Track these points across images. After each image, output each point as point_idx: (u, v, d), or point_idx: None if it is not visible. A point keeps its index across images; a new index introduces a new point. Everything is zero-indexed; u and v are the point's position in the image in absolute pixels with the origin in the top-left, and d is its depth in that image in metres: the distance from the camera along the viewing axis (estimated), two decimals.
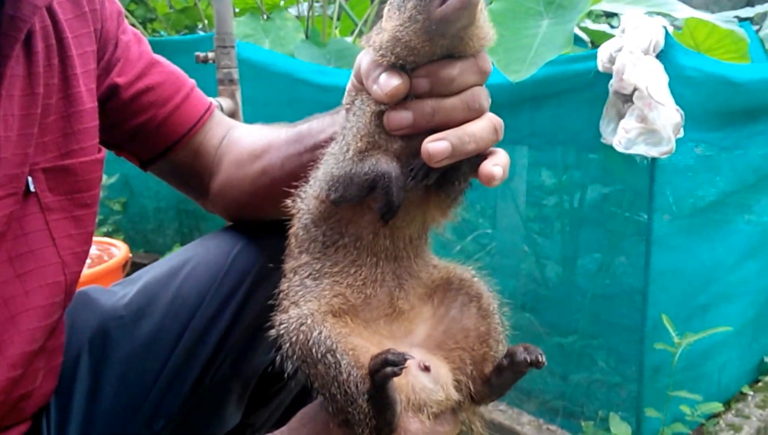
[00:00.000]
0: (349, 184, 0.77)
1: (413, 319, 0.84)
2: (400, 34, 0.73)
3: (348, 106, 0.83)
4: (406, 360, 0.72)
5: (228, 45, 2.05)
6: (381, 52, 0.75)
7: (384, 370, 0.72)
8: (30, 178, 0.93)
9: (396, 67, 0.74)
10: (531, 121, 1.86)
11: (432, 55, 0.74)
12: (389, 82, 0.74)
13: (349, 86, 0.86)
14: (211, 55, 2.05)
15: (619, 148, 1.65)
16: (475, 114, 0.76)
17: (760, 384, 2.08)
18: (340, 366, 0.74)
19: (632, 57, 1.62)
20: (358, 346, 0.77)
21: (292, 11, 2.99)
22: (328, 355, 0.75)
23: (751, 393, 2.02)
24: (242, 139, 1.17)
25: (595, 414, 1.83)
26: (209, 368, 1.12)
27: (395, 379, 0.74)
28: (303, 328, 0.77)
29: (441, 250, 0.90)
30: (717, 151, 1.85)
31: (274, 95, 2.33)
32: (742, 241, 2.01)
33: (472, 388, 0.83)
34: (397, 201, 0.75)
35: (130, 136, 1.13)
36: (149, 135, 1.13)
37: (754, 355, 2.15)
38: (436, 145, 0.73)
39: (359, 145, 0.77)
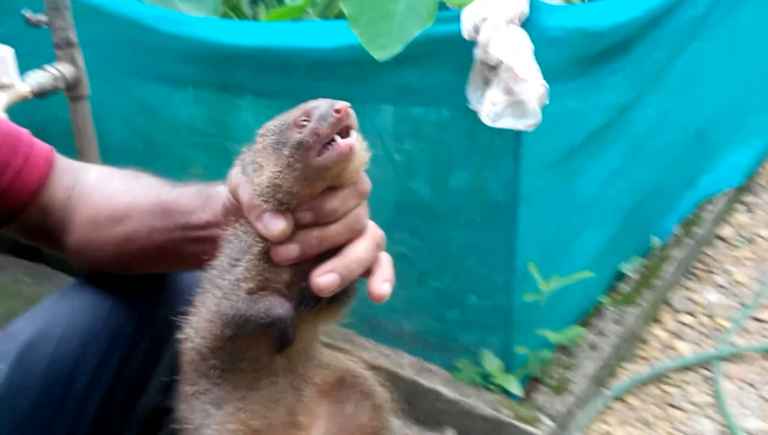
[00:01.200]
0: (244, 324, 0.77)
1: (310, 425, 0.86)
2: (279, 181, 0.73)
3: (228, 229, 0.81)
4: None
5: (61, 6, 1.82)
6: (263, 197, 0.74)
7: None
8: None
9: (280, 206, 0.74)
10: (396, 80, 1.82)
11: (312, 195, 0.74)
12: (275, 226, 0.74)
13: (224, 199, 0.85)
14: (43, 18, 1.83)
15: (487, 122, 1.67)
16: (358, 233, 0.78)
17: (615, 295, 2.30)
18: None
19: (497, 30, 1.59)
20: None
21: None
22: None
23: (611, 308, 2.24)
24: (95, 194, 1.09)
25: (470, 351, 1.98)
26: (96, 428, 1.12)
27: None
28: None
29: None
30: (579, 97, 1.90)
31: (118, 40, 2.12)
32: (605, 170, 2.13)
33: None
34: (291, 339, 0.77)
35: None
36: None
37: (612, 267, 2.36)
38: (325, 279, 0.74)
39: (249, 285, 0.76)
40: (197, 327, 0.82)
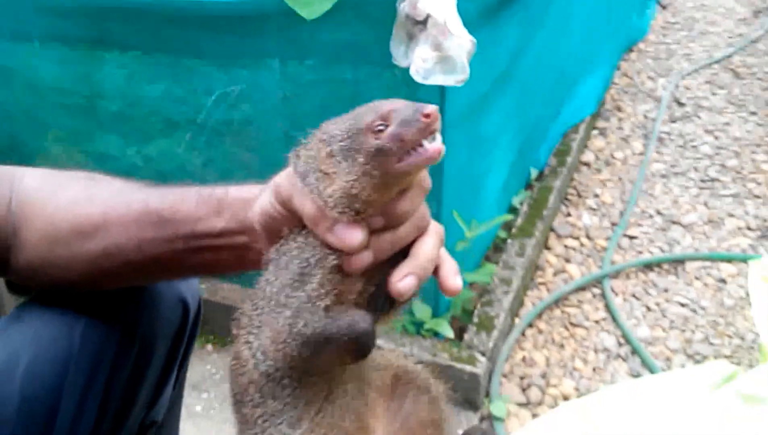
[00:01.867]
0: (324, 343, 0.73)
1: (377, 427, 0.86)
2: (355, 190, 0.69)
3: (283, 243, 0.76)
4: None
5: None
6: (336, 209, 0.70)
7: None
8: None
9: (354, 216, 0.71)
10: (312, 35, 1.76)
11: (387, 200, 0.72)
12: (353, 237, 0.71)
13: (267, 208, 0.78)
14: None
15: (418, 79, 1.67)
16: (424, 230, 0.77)
17: (512, 229, 2.45)
18: None
19: None
20: None
21: None
22: None
23: (509, 241, 2.38)
24: (47, 206, 0.95)
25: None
26: None
27: None
28: None
29: None
30: (489, 45, 1.95)
31: None
32: (503, 114, 2.22)
33: None
34: (371, 349, 0.75)
35: None
36: None
37: (506, 202, 2.50)
38: (405, 284, 0.73)
39: (326, 302, 0.73)
40: (262, 349, 0.77)
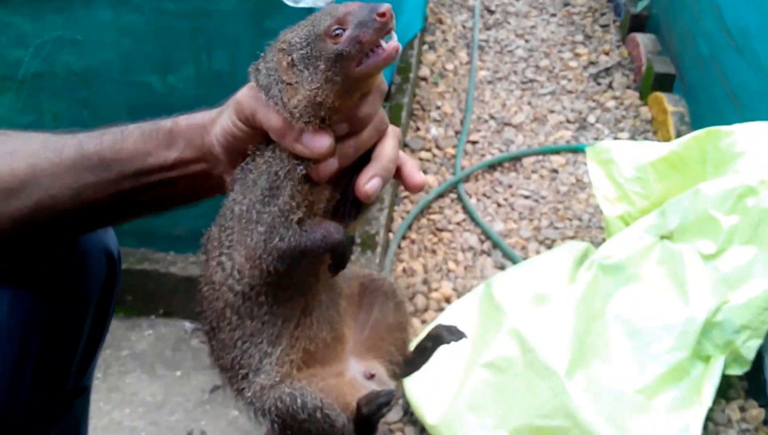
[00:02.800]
0: (300, 256, 0.76)
1: (349, 335, 0.90)
2: (319, 97, 0.71)
3: (250, 160, 0.78)
4: (394, 395, 0.83)
5: None
6: (303, 118, 0.72)
7: (381, 411, 0.81)
8: None
9: (320, 123, 0.73)
10: None
11: (350, 104, 0.74)
12: (320, 143, 0.73)
13: (229, 127, 0.79)
14: None
15: (289, 2, 1.74)
16: (383, 133, 0.79)
17: None
18: (331, 418, 0.80)
19: None
20: (330, 389, 0.82)
21: None
22: (317, 413, 0.79)
23: None
24: None
25: None
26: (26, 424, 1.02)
27: (350, 390, 0.84)
28: (277, 395, 0.79)
29: None
30: None
31: None
32: None
33: (397, 371, 0.93)
34: (348, 258, 0.79)
35: None
36: None
37: None
38: (372, 185, 0.76)
39: (299, 215, 0.75)
40: (237, 268, 0.78)
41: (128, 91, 1.90)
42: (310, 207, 0.76)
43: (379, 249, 2.23)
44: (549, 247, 2.39)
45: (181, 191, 0.87)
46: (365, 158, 0.78)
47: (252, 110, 0.75)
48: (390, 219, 2.48)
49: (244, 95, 0.77)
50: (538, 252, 2.37)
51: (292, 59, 0.72)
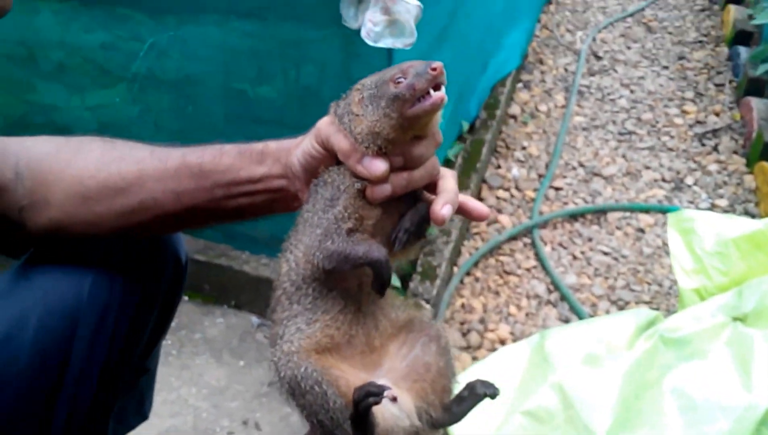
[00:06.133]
0: (344, 260, 0.88)
1: (382, 355, 0.97)
2: (378, 128, 0.86)
3: (321, 177, 0.92)
4: (384, 391, 0.87)
5: None
6: (364, 143, 0.87)
7: (367, 400, 0.87)
8: None
9: (379, 151, 0.87)
10: None
11: (403, 142, 0.88)
12: (377, 167, 0.87)
13: (308, 149, 0.93)
14: None
15: (369, 41, 1.70)
16: (435, 177, 0.92)
17: None
18: (326, 396, 0.88)
19: None
20: (339, 377, 0.91)
21: None
22: (315, 387, 0.88)
23: None
24: (72, 167, 1.04)
25: None
26: (101, 395, 1.13)
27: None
28: (290, 364, 0.90)
29: None
30: (427, 6, 1.99)
31: None
32: (446, 58, 2.28)
33: (432, 415, 0.98)
34: (389, 280, 0.88)
35: None
36: None
37: (441, 156, 2.59)
38: (445, 211, 0.88)
39: (349, 224, 0.89)
40: (296, 260, 0.93)
41: (225, 96, 2.03)
42: (360, 221, 0.89)
43: (438, 281, 2.15)
44: (621, 308, 2.24)
45: (262, 203, 1.01)
46: (414, 200, 0.92)
47: (327, 135, 0.90)
48: (457, 253, 2.39)
49: (323, 123, 0.91)
50: (608, 311, 2.22)
51: (363, 96, 0.88)
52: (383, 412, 0.90)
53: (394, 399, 0.92)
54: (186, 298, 2.24)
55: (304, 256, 0.91)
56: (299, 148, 0.95)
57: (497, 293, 2.31)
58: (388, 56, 1.82)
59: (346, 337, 0.93)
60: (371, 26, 1.74)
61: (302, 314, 0.93)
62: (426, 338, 0.98)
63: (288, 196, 0.99)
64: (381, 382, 0.92)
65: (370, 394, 0.85)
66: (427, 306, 2.05)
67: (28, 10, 1.99)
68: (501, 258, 2.45)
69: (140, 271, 1.13)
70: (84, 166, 1.03)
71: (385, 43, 1.76)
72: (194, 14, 1.91)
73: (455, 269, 2.35)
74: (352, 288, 0.93)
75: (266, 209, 1.03)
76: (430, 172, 0.91)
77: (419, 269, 2.17)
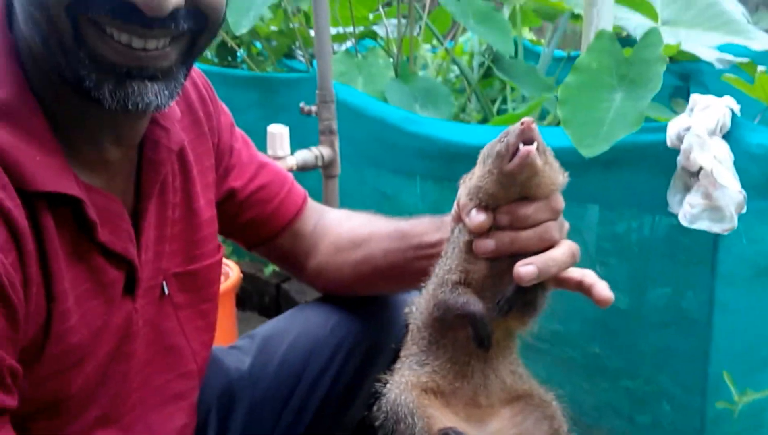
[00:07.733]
0: (447, 310, 0.97)
1: (490, 415, 1.02)
2: (481, 183, 0.93)
3: (451, 231, 1.03)
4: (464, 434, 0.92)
5: (329, 100, 2.29)
6: (470, 196, 0.95)
7: None
8: (164, 283, 1.08)
9: (483, 205, 0.94)
10: (602, 182, 1.99)
11: (508, 198, 0.93)
12: (477, 218, 0.93)
13: (453, 212, 1.03)
14: (314, 108, 2.29)
15: (684, 222, 1.78)
16: (548, 244, 0.94)
17: None
18: (415, 428, 0.95)
19: (699, 139, 1.73)
20: (434, 417, 0.97)
21: (379, 30, 3.14)
22: (409, 417, 0.95)
23: None
24: (338, 226, 1.36)
25: None
26: (314, 424, 1.34)
27: None
28: (396, 390, 0.98)
29: None
30: None
31: (367, 136, 2.53)
32: None
33: None
34: (485, 337, 0.95)
35: (241, 228, 1.33)
36: (257, 226, 1.33)
37: None
38: (525, 269, 0.90)
39: (454, 276, 0.97)
40: (420, 305, 1.05)
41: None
42: (465, 274, 0.97)
43: None
44: None
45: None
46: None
47: (458, 195, 1.01)
48: None
49: (460, 190, 1.02)
50: None
51: (482, 160, 0.96)
52: None
53: None
54: None
55: (425, 303, 1.02)
56: None
57: None
58: (713, 247, 1.82)
59: (450, 387, 1.00)
60: (689, 208, 1.82)
61: (417, 355, 1.03)
62: (541, 415, 1.02)
63: None
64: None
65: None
66: None
67: (442, 193, 2.44)
68: None
69: (373, 325, 1.36)
70: (349, 227, 1.34)
71: (701, 225, 1.81)
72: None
73: None
74: (461, 339, 0.99)
75: None
76: (541, 237, 0.93)
77: None
